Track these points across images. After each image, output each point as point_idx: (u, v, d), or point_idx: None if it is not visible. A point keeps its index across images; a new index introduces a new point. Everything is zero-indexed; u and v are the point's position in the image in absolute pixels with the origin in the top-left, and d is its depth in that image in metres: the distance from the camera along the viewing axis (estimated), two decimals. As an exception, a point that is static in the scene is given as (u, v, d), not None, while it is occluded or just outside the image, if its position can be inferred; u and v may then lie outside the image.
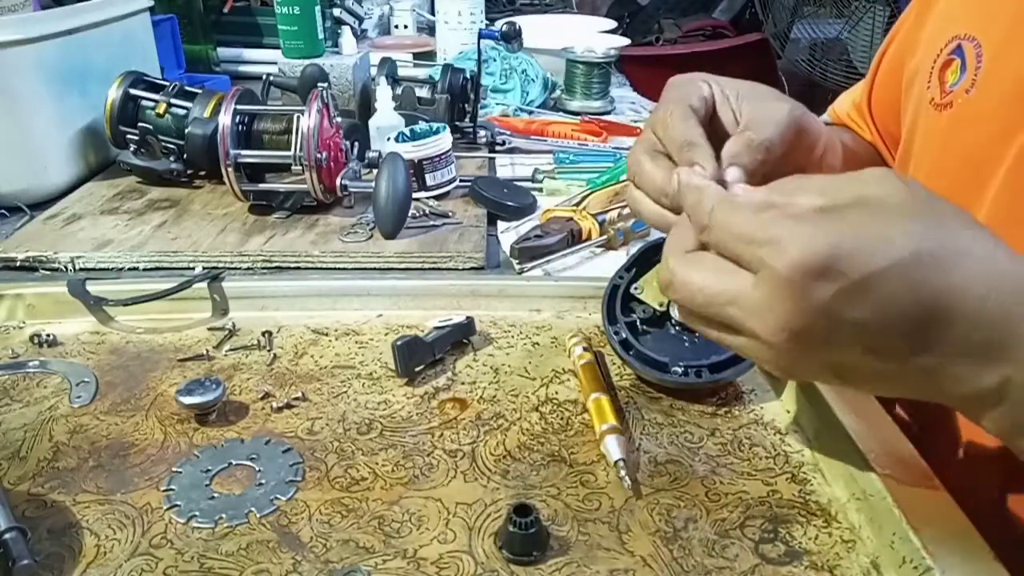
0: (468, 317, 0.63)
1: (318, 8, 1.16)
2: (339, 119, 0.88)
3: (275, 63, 1.18)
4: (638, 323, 0.59)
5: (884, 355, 0.36)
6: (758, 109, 0.50)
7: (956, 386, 0.37)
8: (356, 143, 0.90)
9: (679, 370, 0.55)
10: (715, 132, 0.51)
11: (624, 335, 0.58)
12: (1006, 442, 0.39)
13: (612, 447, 0.50)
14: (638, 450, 0.52)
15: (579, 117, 1.22)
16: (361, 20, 1.62)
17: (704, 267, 0.39)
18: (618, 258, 0.79)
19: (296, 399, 0.56)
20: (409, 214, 0.81)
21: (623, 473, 0.48)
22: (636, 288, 0.60)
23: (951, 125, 0.55)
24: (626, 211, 0.82)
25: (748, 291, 0.37)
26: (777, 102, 0.51)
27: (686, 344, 0.57)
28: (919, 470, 0.46)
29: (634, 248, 0.72)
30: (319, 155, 0.82)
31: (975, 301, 0.35)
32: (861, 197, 0.37)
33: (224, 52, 1.47)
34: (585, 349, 0.60)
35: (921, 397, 0.40)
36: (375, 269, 0.77)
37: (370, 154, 0.88)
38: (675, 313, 0.56)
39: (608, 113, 1.29)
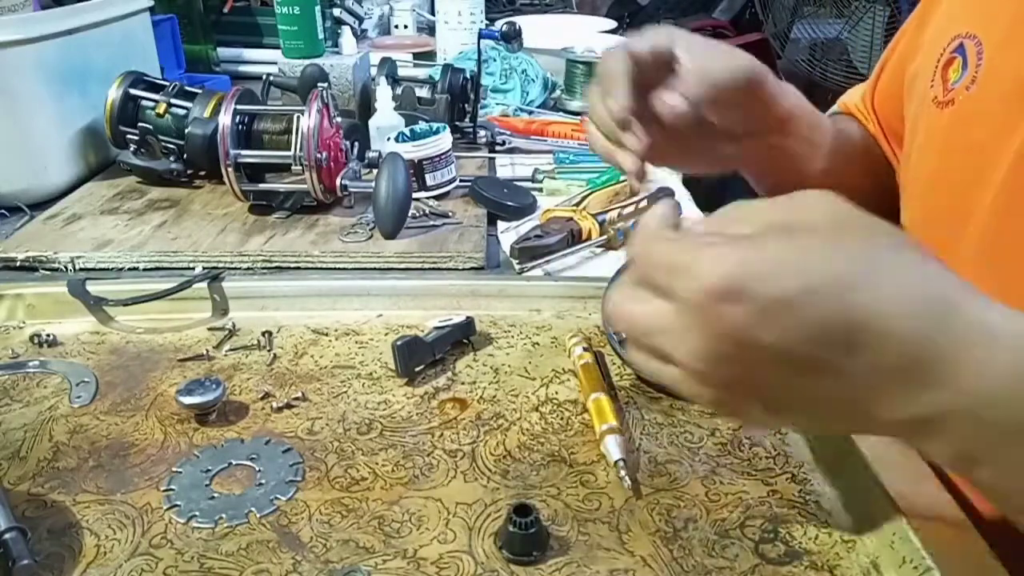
0: (468, 317, 0.63)
1: (318, 8, 1.16)
2: (339, 119, 0.88)
3: (275, 63, 1.18)
4: None
5: (810, 378, 0.35)
6: (713, 57, 0.54)
7: (889, 411, 0.35)
8: (356, 143, 0.90)
9: None
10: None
11: (623, 335, 0.58)
12: (955, 472, 0.38)
13: (612, 447, 0.50)
14: (638, 450, 0.52)
15: (579, 117, 1.22)
16: (361, 20, 1.62)
17: (637, 298, 0.39)
18: (618, 258, 0.79)
19: (296, 399, 0.56)
20: (409, 214, 0.81)
21: (623, 473, 0.48)
22: None
23: (952, 122, 0.55)
24: (626, 211, 0.82)
25: (671, 319, 0.37)
26: (737, 54, 0.54)
27: None
28: (919, 469, 0.46)
29: None
30: (319, 155, 0.82)
31: (899, 321, 0.34)
32: (789, 222, 0.37)
33: (224, 52, 1.47)
34: (585, 349, 0.60)
35: (862, 429, 0.40)
36: (375, 269, 0.77)
37: (370, 154, 0.88)
38: None
39: (608, 113, 1.29)
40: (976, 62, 0.53)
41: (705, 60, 0.53)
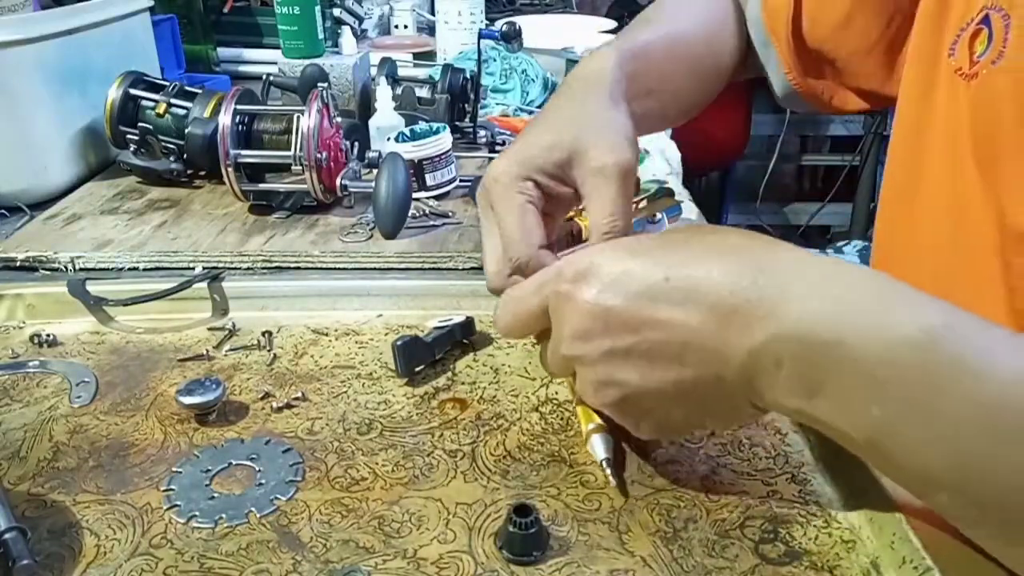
0: (468, 317, 0.63)
1: (318, 8, 1.16)
2: (339, 119, 0.88)
3: (275, 63, 1.18)
4: None
5: (660, 334, 0.42)
6: (590, 176, 0.54)
7: (732, 351, 0.40)
8: (356, 143, 0.90)
9: None
10: (558, 205, 0.57)
11: None
12: (802, 418, 0.42)
13: (597, 446, 0.49)
14: (629, 450, 0.51)
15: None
16: (361, 20, 1.62)
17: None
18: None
19: (296, 399, 0.56)
20: (409, 214, 0.81)
21: (608, 472, 0.48)
22: None
23: (977, 95, 0.54)
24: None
25: (555, 329, 0.46)
26: (605, 153, 0.53)
27: None
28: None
29: None
30: (319, 155, 0.82)
31: (707, 271, 0.41)
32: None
33: (224, 52, 1.47)
34: None
35: (726, 398, 0.43)
36: (375, 269, 0.76)
37: (370, 154, 0.88)
38: None
39: (608, 113, 1.29)
40: (1003, 36, 0.52)
41: (592, 190, 0.54)
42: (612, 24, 1.69)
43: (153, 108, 0.94)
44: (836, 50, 0.71)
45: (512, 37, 1.12)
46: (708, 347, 0.41)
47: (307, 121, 0.81)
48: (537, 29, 1.54)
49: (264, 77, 1.10)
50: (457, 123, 1.11)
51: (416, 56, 1.51)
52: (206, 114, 0.92)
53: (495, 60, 1.29)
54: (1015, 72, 0.51)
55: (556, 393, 0.57)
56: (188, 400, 0.53)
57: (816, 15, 0.72)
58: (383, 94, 1.00)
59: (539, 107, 1.27)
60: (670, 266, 0.42)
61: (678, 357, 0.42)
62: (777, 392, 0.40)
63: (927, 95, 0.60)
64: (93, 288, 0.67)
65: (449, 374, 0.60)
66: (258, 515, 0.46)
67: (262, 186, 0.87)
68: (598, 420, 0.51)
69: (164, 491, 0.48)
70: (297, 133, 0.82)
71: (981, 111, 0.54)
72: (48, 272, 0.76)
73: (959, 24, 0.56)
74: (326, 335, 0.65)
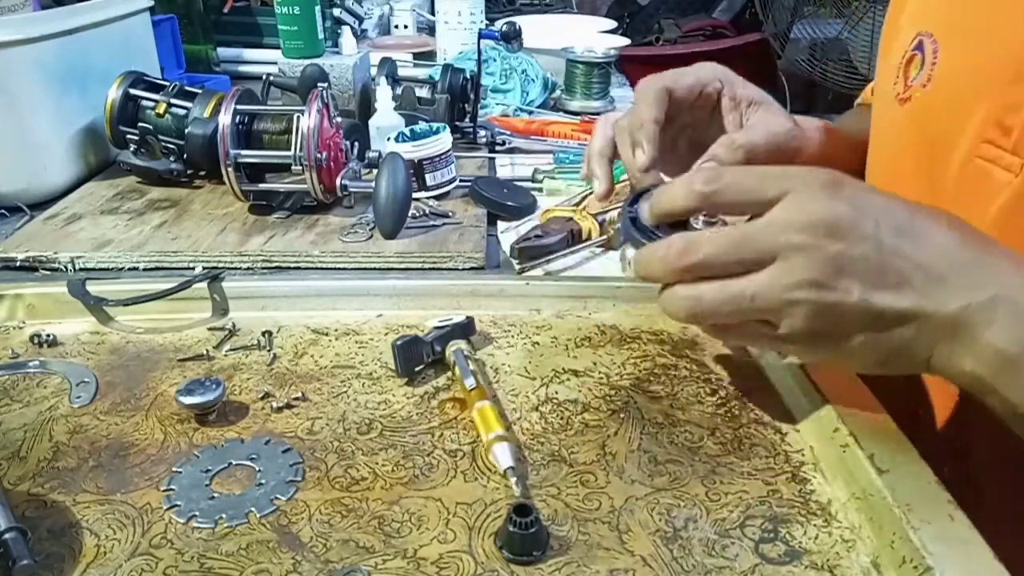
0: (468, 317, 0.63)
1: (318, 8, 1.16)
2: (339, 119, 0.88)
3: (275, 63, 1.18)
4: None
5: (891, 256, 0.41)
6: (761, 119, 0.58)
7: (949, 300, 0.41)
8: (356, 143, 0.90)
9: None
10: (719, 132, 0.59)
11: (636, 215, 0.51)
12: (989, 386, 0.42)
13: (501, 455, 0.49)
14: (639, 449, 0.52)
15: (579, 117, 1.22)
16: (361, 20, 1.62)
17: (721, 232, 0.44)
18: (618, 258, 0.79)
19: (296, 399, 0.56)
20: (409, 214, 0.81)
21: (514, 480, 0.47)
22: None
23: (909, 118, 0.57)
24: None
25: (776, 214, 0.42)
26: (783, 119, 0.59)
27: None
28: (918, 467, 0.46)
29: None
30: (319, 155, 0.82)
31: (936, 223, 0.42)
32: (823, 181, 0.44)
33: (224, 52, 1.47)
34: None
35: (920, 346, 0.42)
36: (375, 269, 0.77)
37: (370, 154, 0.88)
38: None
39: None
40: (932, 60, 0.55)
41: (751, 125, 0.58)
42: (612, 24, 1.69)
43: (153, 108, 0.94)
44: None
45: (512, 37, 1.12)
46: (932, 281, 0.41)
47: (307, 121, 0.81)
48: (537, 29, 1.55)
49: (264, 77, 1.10)
50: (457, 123, 1.11)
51: (416, 56, 1.51)
52: (206, 114, 0.92)
53: (495, 60, 1.30)
54: (942, 97, 0.53)
55: (556, 393, 0.57)
56: (188, 400, 0.53)
57: None
58: (383, 94, 1.00)
59: (539, 107, 1.27)
60: (916, 210, 0.43)
61: (904, 282, 0.42)
62: (968, 358, 0.41)
63: (879, 125, 0.63)
64: (93, 288, 0.67)
65: (449, 374, 0.60)
66: (258, 515, 0.46)
67: (262, 186, 0.87)
68: (498, 429, 0.51)
69: (164, 491, 0.48)
70: (297, 133, 0.82)
71: (908, 134, 0.56)
72: (48, 272, 0.76)
73: (902, 51, 0.58)
74: (326, 335, 0.65)
